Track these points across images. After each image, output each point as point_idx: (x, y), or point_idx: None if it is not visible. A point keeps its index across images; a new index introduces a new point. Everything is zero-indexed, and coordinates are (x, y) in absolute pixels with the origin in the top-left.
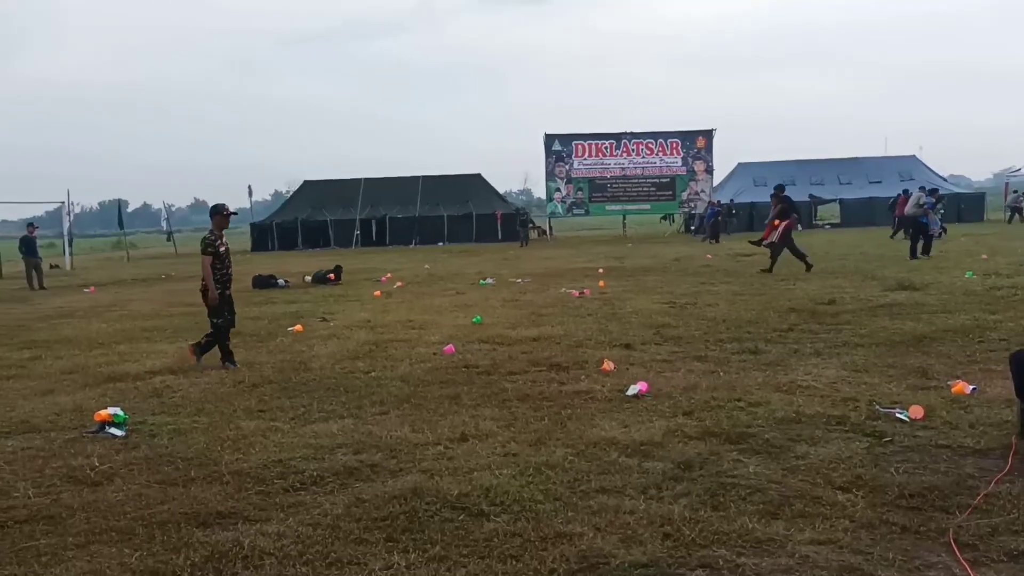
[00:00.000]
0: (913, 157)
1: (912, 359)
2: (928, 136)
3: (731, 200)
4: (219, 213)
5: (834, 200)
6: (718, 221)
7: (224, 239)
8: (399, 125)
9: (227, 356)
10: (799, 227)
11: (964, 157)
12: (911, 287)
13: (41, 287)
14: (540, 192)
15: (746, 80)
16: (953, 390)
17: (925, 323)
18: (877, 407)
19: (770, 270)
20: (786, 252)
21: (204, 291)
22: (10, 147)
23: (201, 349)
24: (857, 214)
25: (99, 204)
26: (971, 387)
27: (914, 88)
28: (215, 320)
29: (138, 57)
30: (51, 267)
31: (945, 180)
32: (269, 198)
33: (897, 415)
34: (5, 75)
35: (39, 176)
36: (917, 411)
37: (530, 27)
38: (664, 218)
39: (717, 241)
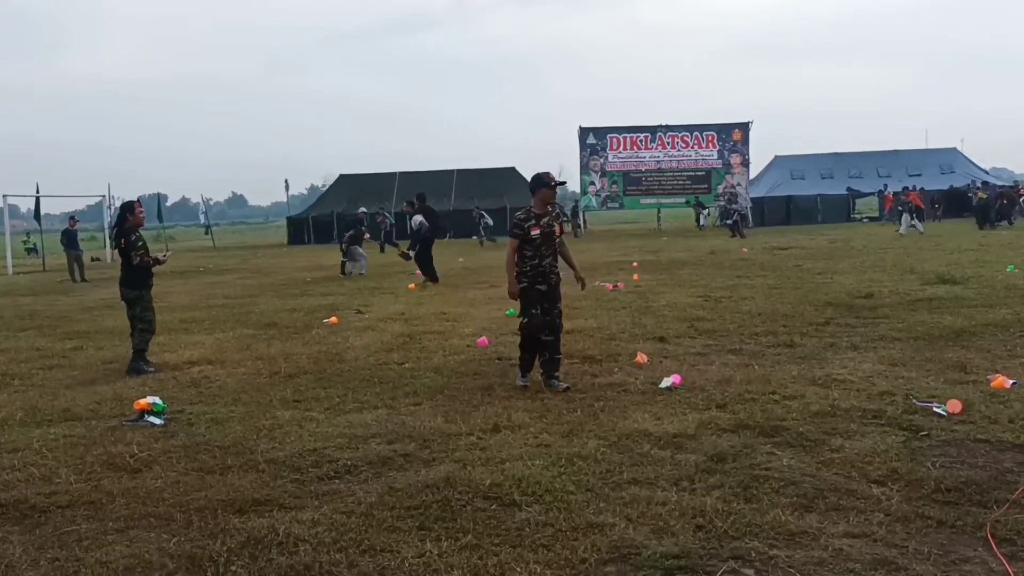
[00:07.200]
0: (954, 150)
1: (950, 353)
2: (971, 127)
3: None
4: (544, 185)
5: (872, 193)
6: (1003, 204)
7: (548, 219)
8: (434, 119)
9: (526, 367)
10: None
11: (1008, 149)
12: (951, 281)
13: (83, 279)
14: (574, 186)
15: (785, 71)
16: (992, 384)
17: (964, 317)
18: (914, 401)
19: None
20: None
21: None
22: (53, 141)
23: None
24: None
25: (139, 198)
26: (1011, 382)
27: (956, 77)
28: (520, 319)
29: (179, 53)
30: (92, 260)
31: (987, 173)
32: (305, 192)
33: (934, 409)
34: (49, 71)
35: (81, 170)
36: (955, 405)
37: (565, 20)
38: (692, 205)
39: (1010, 223)
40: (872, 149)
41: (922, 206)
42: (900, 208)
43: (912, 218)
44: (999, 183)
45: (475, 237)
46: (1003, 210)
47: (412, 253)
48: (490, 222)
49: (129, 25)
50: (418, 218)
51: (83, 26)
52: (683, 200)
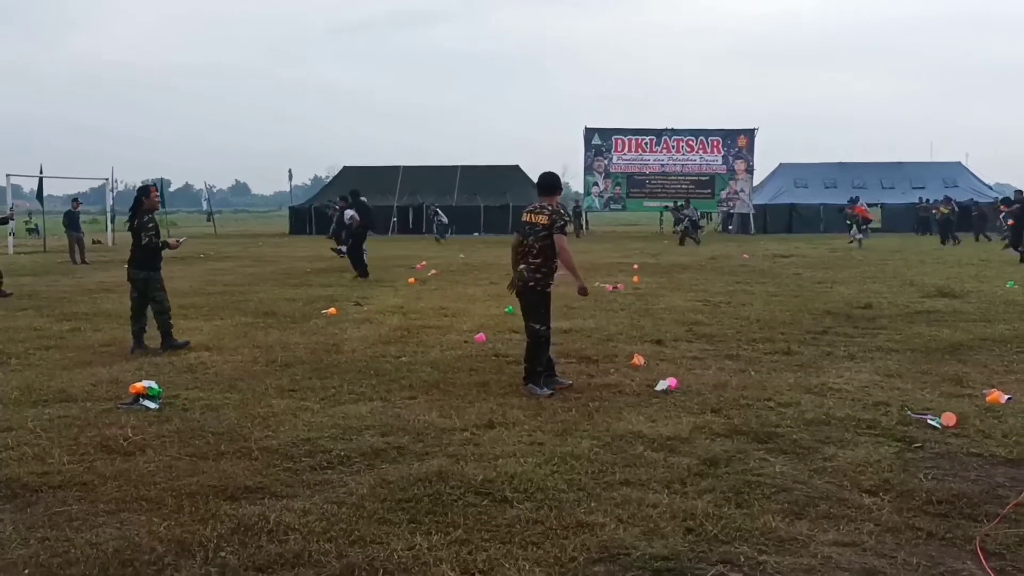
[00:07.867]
0: (958, 164)
1: (947, 366)
2: (977, 141)
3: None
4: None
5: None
6: (976, 218)
7: None
8: (438, 115)
9: (535, 378)
10: None
11: (1012, 164)
12: (950, 294)
13: (83, 261)
14: (578, 186)
15: (790, 78)
16: (988, 399)
17: (962, 331)
18: (909, 412)
19: None
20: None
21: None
22: (58, 123)
23: (530, 377)
24: (899, 220)
25: (142, 182)
26: (1006, 397)
27: (964, 90)
28: (537, 326)
29: (184, 40)
30: (94, 242)
31: (990, 188)
32: (309, 183)
33: (929, 421)
34: (55, 52)
35: (85, 153)
36: (949, 418)
37: (573, 19)
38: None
39: (976, 239)
40: (876, 160)
41: (871, 218)
42: (848, 221)
43: (859, 231)
44: (1001, 198)
45: (434, 235)
46: (978, 224)
47: (344, 248)
48: (444, 220)
49: (135, 8)
50: (350, 212)
51: (89, 6)
52: (669, 204)
